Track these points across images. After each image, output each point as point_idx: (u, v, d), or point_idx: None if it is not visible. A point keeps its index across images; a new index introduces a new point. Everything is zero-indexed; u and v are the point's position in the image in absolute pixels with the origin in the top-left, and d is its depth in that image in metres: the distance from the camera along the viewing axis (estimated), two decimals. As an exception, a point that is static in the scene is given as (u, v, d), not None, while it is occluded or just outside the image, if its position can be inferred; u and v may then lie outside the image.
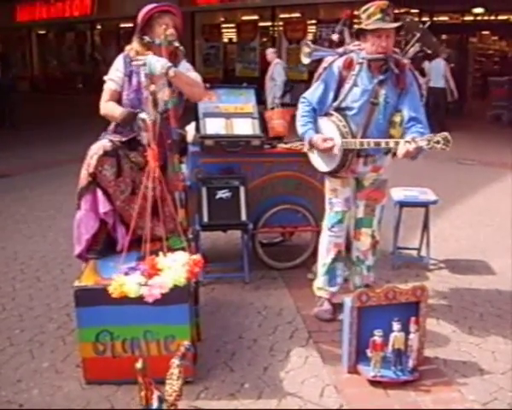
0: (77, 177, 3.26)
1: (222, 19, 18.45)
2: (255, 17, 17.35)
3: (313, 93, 3.55)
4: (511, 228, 5.55)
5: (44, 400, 2.86)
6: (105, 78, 3.42)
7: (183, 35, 3.40)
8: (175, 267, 2.87)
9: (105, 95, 3.39)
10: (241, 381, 3.01)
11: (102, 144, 3.21)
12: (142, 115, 3.11)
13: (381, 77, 3.42)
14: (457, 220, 5.86)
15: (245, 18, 17.71)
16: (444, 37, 17.44)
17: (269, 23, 16.82)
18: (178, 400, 2.49)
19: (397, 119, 3.44)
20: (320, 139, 3.43)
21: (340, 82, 3.48)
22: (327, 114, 3.52)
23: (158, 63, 3.11)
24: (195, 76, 3.40)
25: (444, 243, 5.11)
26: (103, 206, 3.18)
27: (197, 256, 3.00)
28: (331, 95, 3.50)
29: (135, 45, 3.35)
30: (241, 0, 16.69)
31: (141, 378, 2.48)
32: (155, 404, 2.46)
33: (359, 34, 3.45)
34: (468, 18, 16.34)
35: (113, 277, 2.83)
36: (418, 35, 3.60)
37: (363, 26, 3.35)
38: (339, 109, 3.49)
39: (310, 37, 15.24)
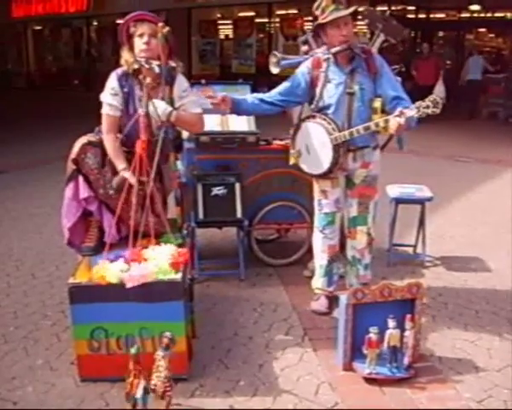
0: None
1: (218, 15, 18.39)
2: (252, 13, 17.30)
3: (278, 87, 3.61)
4: (507, 225, 5.55)
5: (39, 397, 2.85)
6: (102, 100, 3.27)
7: (175, 31, 3.28)
8: (159, 258, 2.89)
9: (105, 124, 3.26)
10: (237, 378, 3.01)
11: (88, 135, 3.24)
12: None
13: (351, 66, 3.45)
14: (453, 217, 5.86)
15: (241, 14, 17.65)
16: (440, 34, 17.47)
17: (265, 19, 16.78)
18: (169, 390, 2.54)
19: (377, 104, 3.44)
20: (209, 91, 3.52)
21: (312, 82, 3.52)
22: (309, 117, 3.55)
23: (158, 110, 3.08)
24: (192, 103, 3.31)
25: (440, 240, 5.11)
26: (83, 192, 3.16)
27: (183, 249, 3.02)
28: (300, 89, 3.55)
29: (127, 57, 3.23)
30: (237, -4, 16.70)
31: (132, 365, 2.50)
32: (139, 393, 2.49)
33: (319, 31, 3.49)
34: (465, 15, 16.34)
35: (98, 262, 2.87)
36: (381, 26, 3.62)
37: (320, 21, 3.40)
38: (319, 111, 3.51)
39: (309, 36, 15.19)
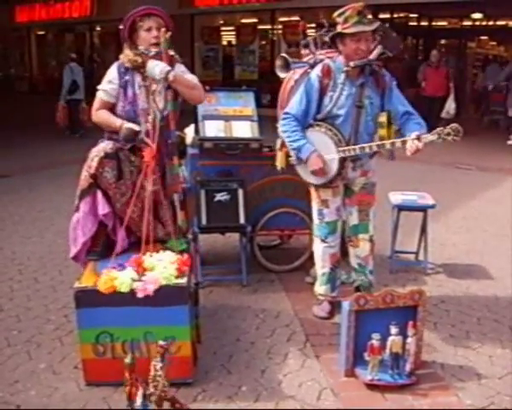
0: (75, 178, 3.27)
1: (221, 21, 18.43)
2: (254, 20, 17.33)
3: (297, 107, 3.50)
4: (508, 233, 5.56)
5: (42, 401, 2.86)
6: (98, 87, 3.38)
7: (178, 37, 3.40)
8: (164, 265, 2.90)
9: (96, 104, 3.38)
10: (239, 384, 3.01)
11: (104, 146, 3.22)
12: (143, 137, 3.16)
13: (362, 80, 3.43)
14: (455, 225, 5.87)
15: (244, 21, 17.68)
16: (442, 41, 17.51)
17: (268, 26, 16.82)
18: (165, 397, 2.53)
19: (382, 119, 3.44)
20: (319, 161, 3.41)
21: (322, 91, 3.46)
22: (312, 126, 3.51)
23: (157, 68, 3.11)
24: (192, 78, 3.38)
25: (441, 248, 5.12)
26: (103, 208, 3.18)
27: (184, 256, 3.02)
28: (314, 106, 3.49)
29: (128, 53, 3.30)
30: (240, 3, 16.71)
31: (127, 374, 2.50)
32: (139, 401, 2.49)
33: (336, 39, 3.44)
34: (467, 23, 16.37)
35: (103, 271, 2.85)
36: (379, 38, 3.63)
37: (340, 30, 3.34)
38: (324, 119, 3.49)
39: (310, 39, 15.22)
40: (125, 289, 2.78)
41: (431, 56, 12.04)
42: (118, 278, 2.81)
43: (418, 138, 3.20)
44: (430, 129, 3.31)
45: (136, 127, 3.19)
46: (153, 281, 2.81)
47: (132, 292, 2.80)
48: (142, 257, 2.95)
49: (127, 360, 2.51)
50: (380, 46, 3.46)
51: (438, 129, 3.20)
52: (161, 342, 2.57)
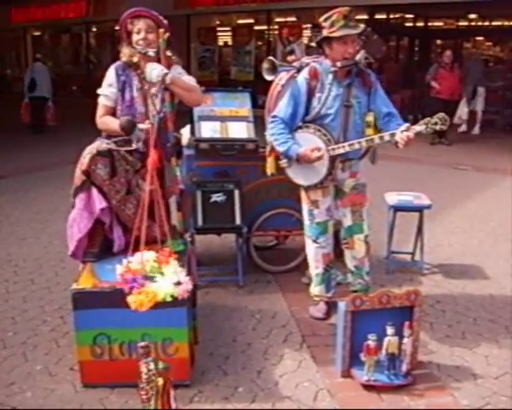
0: (71, 179, 3.26)
1: (217, 22, 18.42)
2: (251, 21, 17.33)
3: (285, 110, 3.51)
4: (505, 233, 5.58)
5: (37, 403, 2.85)
6: (98, 91, 3.41)
7: (174, 38, 3.41)
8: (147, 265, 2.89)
9: (99, 111, 3.40)
10: (235, 385, 3.01)
11: (97, 144, 3.23)
12: (141, 125, 3.16)
13: (348, 80, 3.46)
14: (451, 225, 5.88)
15: (240, 21, 17.68)
16: (438, 42, 17.56)
17: (264, 27, 16.83)
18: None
19: (370, 118, 3.49)
20: (308, 151, 3.41)
21: (310, 93, 3.49)
22: (301, 127, 3.53)
23: (154, 71, 3.13)
24: (188, 79, 3.40)
25: (437, 248, 5.13)
26: (99, 202, 3.17)
27: (165, 251, 3.02)
28: (302, 108, 3.51)
29: (126, 51, 3.35)
30: (236, 3, 16.71)
31: (162, 382, 2.39)
32: (174, 405, 2.45)
33: (323, 43, 3.46)
34: (463, 23, 16.42)
35: (134, 291, 2.76)
36: (361, 43, 3.66)
37: (326, 34, 3.38)
38: (313, 120, 3.51)
39: (305, 40, 15.23)
40: (171, 297, 2.75)
41: (444, 57, 11.40)
42: (158, 291, 2.75)
43: (407, 130, 3.25)
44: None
45: (132, 119, 3.22)
46: (186, 279, 2.83)
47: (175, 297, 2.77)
48: (128, 264, 2.90)
49: (160, 365, 2.40)
50: (362, 51, 3.49)
51: (425, 119, 3.28)
52: (141, 343, 2.48)
